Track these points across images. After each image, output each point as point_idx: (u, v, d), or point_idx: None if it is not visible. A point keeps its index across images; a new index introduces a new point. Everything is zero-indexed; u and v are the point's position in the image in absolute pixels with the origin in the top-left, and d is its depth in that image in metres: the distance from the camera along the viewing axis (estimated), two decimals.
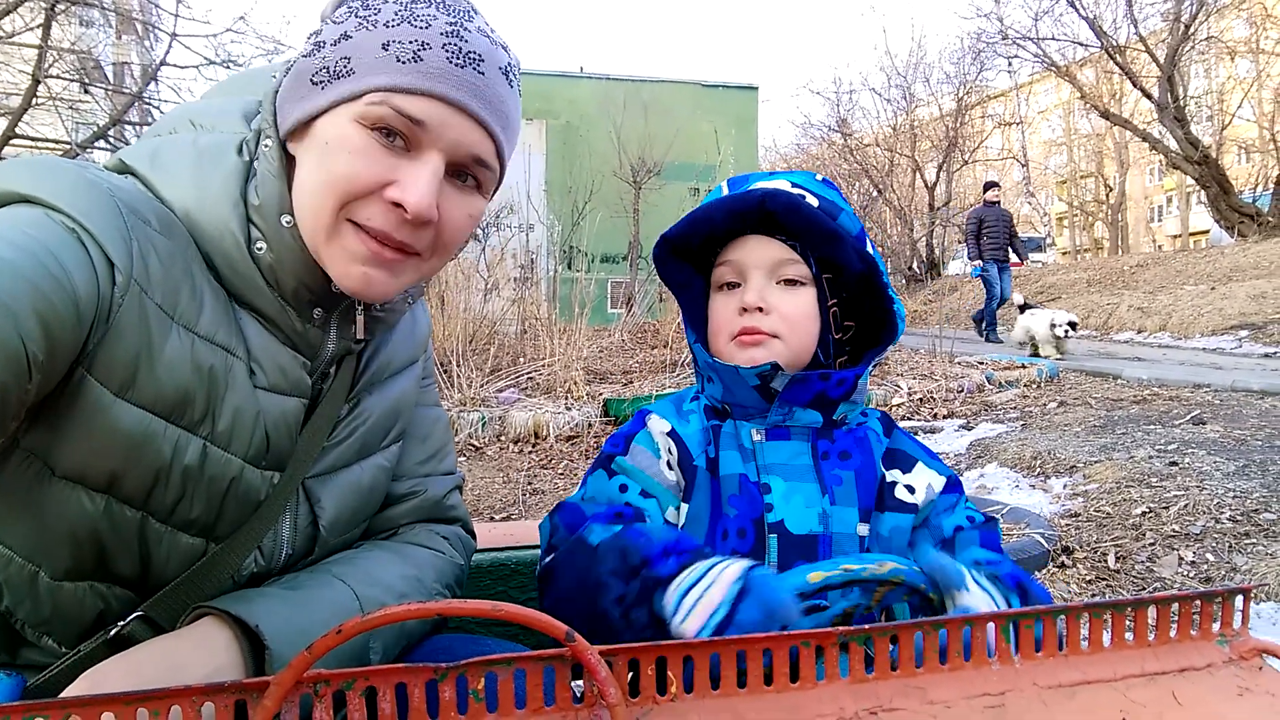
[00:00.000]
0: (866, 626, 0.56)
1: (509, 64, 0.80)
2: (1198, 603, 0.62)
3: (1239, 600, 0.61)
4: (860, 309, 1.06)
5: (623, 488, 0.97)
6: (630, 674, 0.54)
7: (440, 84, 0.74)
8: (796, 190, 0.98)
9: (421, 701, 0.51)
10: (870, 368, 1.04)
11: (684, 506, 0.98)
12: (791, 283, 1.01)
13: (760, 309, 1.00)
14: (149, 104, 11.10)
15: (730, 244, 1.03)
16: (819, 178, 1.05)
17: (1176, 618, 0.61)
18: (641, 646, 0.53)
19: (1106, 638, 0.60)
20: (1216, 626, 0.62)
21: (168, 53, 10.41)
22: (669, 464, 0.99)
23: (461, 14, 0.77)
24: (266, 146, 0.79)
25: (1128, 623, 0.61)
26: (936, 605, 0.75)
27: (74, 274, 0.65)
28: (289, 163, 0.79)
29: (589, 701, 0.53)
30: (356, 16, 0.76)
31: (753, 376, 0.97)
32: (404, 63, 0.74)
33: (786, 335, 1.00)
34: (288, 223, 0.78)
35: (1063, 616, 0.59)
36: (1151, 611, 0.61)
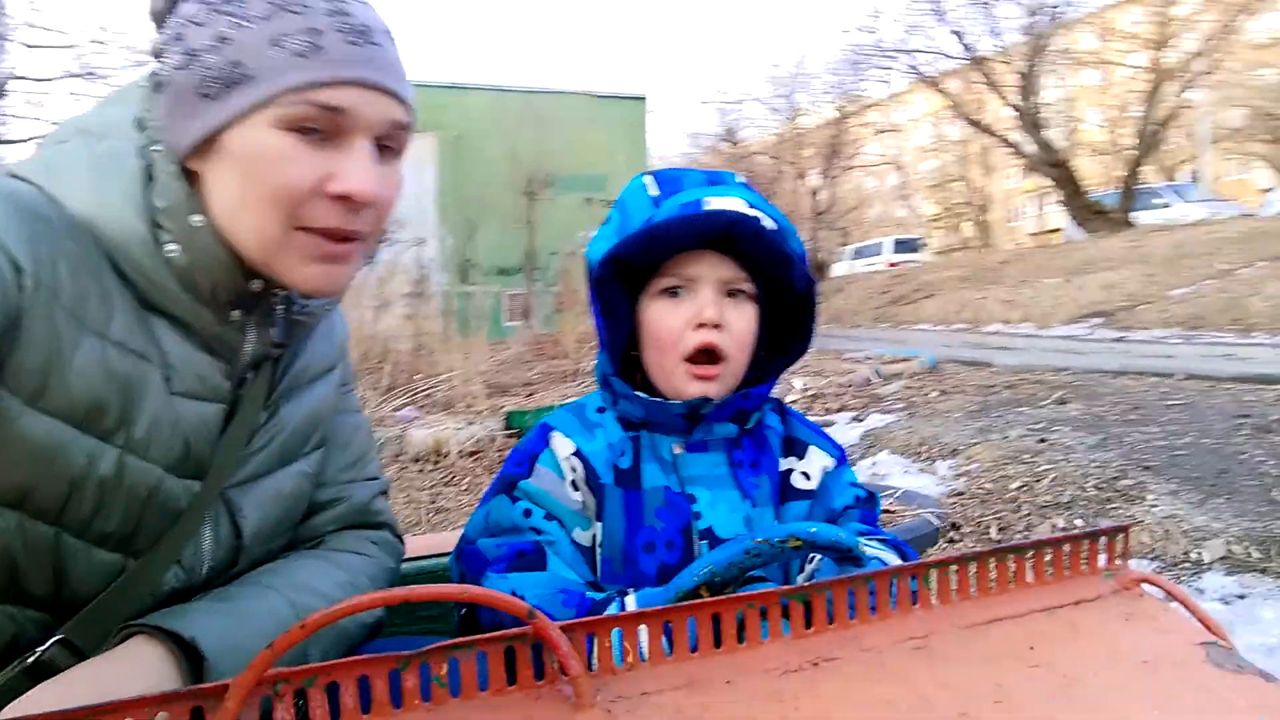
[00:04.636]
0: (805, 585, 0.60)
1: (385, 25, 0.80)
2: (1086, 542, 0.69)
3: (1120, 538, 0.69)
4: (779, 322, 1.06)
5: (526, 512, 0.96)
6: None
7: (351, 69, 0.73)
8: (753, 212, 0.95)
9: (385, 693, 0.51)
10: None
11: (597, 525, 0.98)
12: (736, 295, 1.00)
13: (717, 325, 0.97)
14: None
15: (678, 256, 0.99)
16: (739, 179, 1.05)
17: (1069, 557, 0.68)
18: (598, 620, 0.55)
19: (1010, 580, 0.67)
20: (1103, 561, 0.69)
21: (19, 65, 9.65)
22: (574, 484, 0.98)
23: None
24: (158, 152, 0.76)
25: (1028, 564, 0.67)
26: (836, 559, 0.80)
27: None
28: (189, 174, 0.77)
29: (550, 678, 0.54)
30: (220, 14, 0.73)
31: (682, 407, 0.98)
32: (305, 56, 0.72)
33: (735, 356, 1.00)
34: (198, 223, 0.75)
35: (974, 563, 0.65)
36: (1048, 554, 0.68)
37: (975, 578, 0.65)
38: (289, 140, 0.73)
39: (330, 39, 0.73)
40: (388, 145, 0.80)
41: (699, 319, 0.97)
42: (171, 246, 0.75)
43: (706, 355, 0.98)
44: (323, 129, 0.74)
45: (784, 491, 1.04)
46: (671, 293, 1.00)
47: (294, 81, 0.72)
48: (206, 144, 0.74)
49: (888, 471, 4.39)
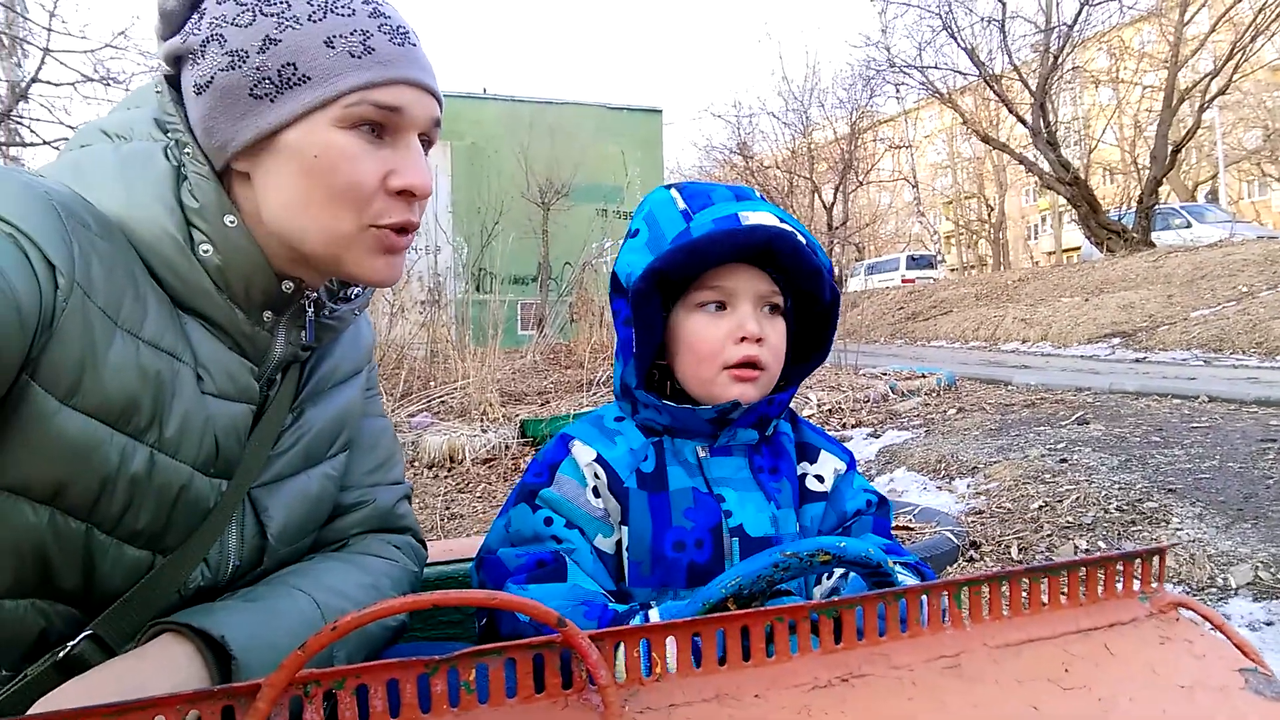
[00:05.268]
0: (835, 600, 0.59)
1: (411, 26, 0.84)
2: (1120, 564, 0.68)
3: (1155, 560, 0.68)
4: (801, 332, 1.08)
5: (548, 520, 0.96)
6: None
7: (402, 69, 0.77)
8: (787, 227, 0.98)
9: (413, 697, 0.50)
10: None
11: (622, 529, 0.98)
12: (774, 309, 1.03)
13: (759, 340, 1.00)
14: (18, 122, 10.41)
15: (716, 270, 1.00)
16: (757, 194, 1.07)
17: (1103, 578, 0.67)
18: (627, 630, 0.55)
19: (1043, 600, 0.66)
20: (1138, 585, 0.68)
21: (39, 69, 9.83)
22: (595, 491, 0.98)
23: None
24: (188, 153, 0.77)
25: (1061, 585, 0.66)
26: (864, 574, 0.78)
27: (14, 280, 0.62)
28: (220, 175, 0.78)
29: (578, 687, 0.54)
30: (265, 15, 0.74)
31: (711, 411, 0.99)
32: (359, 57, 0.75)
33: (772, 367, 1.02)
34: (232, 223, 0.77)
35: (1006, 582, 0.64)
36: (1081, 574, 0.67)
37: (1007, 597, 0.64)
38: (352, 139, 0.75)
39: (378, 40, 0.76)
40: (426, 140, 0.83)
41: (740, 333, 0.99)
42: (205, 247, 0.76)
43: (748, 365, 1.00)
44: (380, 128, 0.77)
45: (800, 494, 1.06)
46: (711, 305, 1.02)
47: (354, 82, 0.74)
48: (258, 144, 0.76)
49: (905, 489, 4.36)
